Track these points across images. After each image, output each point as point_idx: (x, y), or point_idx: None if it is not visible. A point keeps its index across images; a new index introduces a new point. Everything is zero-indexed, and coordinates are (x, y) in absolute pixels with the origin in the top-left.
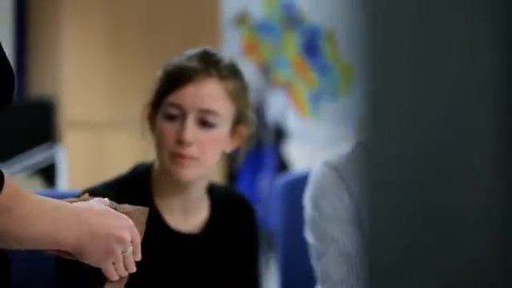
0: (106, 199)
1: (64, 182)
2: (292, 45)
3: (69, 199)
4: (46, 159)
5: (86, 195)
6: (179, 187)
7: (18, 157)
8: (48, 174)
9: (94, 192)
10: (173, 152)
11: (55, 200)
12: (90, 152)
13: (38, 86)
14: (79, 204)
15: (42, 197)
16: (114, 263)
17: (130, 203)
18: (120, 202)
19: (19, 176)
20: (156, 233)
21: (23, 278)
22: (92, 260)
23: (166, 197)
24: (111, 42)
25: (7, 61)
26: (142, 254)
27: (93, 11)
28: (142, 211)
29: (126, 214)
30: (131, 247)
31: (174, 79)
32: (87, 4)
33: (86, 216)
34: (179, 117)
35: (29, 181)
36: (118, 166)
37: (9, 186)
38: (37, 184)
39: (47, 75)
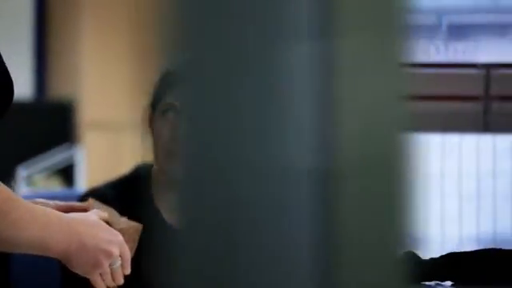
0: (106, 214)
1: (83, 183)
2: None
3: (70, 203)
4: (65, 160)
5: (90, 201)
6: (176, 185)
7: (37, 157)
8: (67, 174)
9: (98, 191)
10: (169, 151)
11: (43, 207)
12: (108, 152)
13: (58, 87)
14: (74, 214)
15: (30, 203)
16: (101, 274)
17: (132, 202)
18: (123, 201)
19: (38, 176)
20: (156, 231)
21: (25, 280)
22: (80, 269)
23: (163, 195)
24: (131, 42)
25: (5, 67)
26: (144, 251)
27: (112, 12)
28: (136, 228)
29: (120, 230)
30: (119, 261)
31: (169, 81)
32: (106, 5)
33: (77, 226)
34: (175, 117)
35: (48, 181)
36: None
37: (1, 192)
38: (56, 184)
39: (66, 76)
